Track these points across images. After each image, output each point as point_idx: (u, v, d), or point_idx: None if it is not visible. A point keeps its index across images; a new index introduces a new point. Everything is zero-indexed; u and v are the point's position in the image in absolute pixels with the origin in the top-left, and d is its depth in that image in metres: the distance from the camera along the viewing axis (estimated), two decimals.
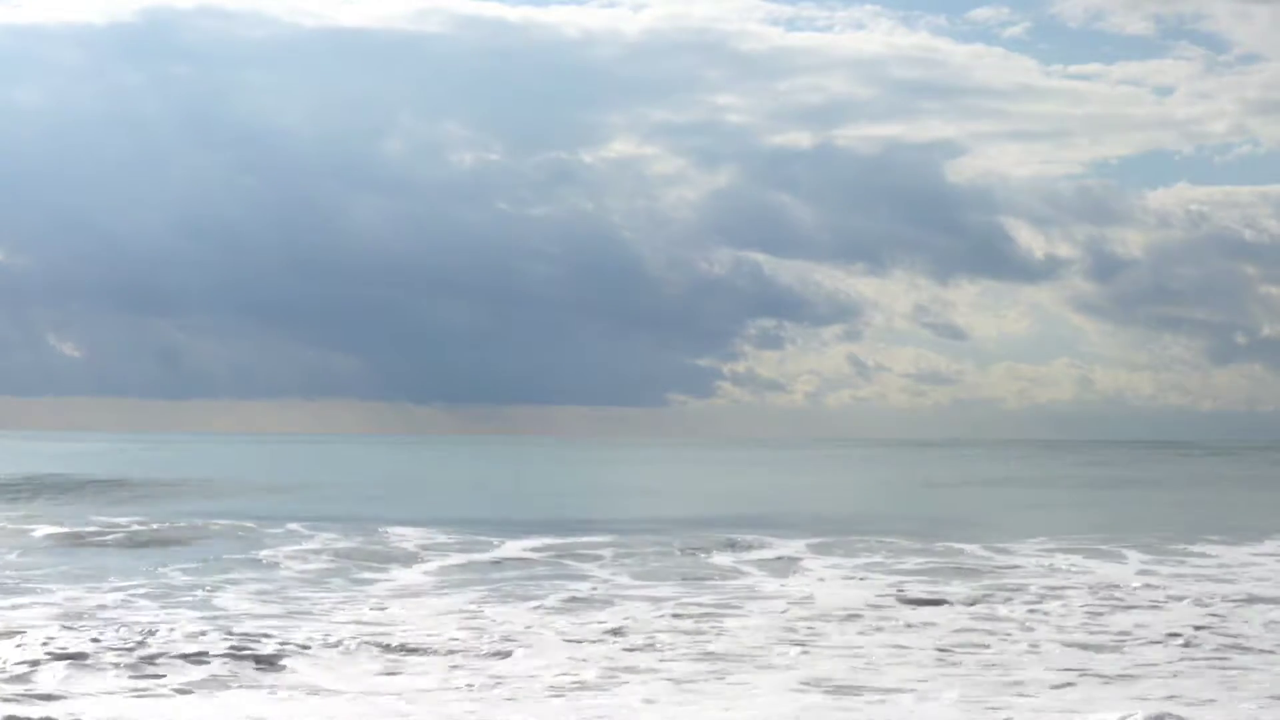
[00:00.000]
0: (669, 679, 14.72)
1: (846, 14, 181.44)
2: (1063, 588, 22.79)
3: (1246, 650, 16.69)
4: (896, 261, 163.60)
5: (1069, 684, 14.64)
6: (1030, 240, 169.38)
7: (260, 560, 26.30)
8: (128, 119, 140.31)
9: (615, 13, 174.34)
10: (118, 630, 16.82)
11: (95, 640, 15.96)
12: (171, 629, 17.05)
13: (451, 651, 16.14)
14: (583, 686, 14.26)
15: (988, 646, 16.95)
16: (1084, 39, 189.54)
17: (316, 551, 28.02)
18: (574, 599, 21.13)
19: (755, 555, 28.09)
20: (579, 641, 17.01)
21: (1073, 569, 25.76)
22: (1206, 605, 20.61)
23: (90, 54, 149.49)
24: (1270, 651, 16.64)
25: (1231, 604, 20.81)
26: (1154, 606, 20.58)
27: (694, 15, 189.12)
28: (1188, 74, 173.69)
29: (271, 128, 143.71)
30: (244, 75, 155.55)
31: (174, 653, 15.42)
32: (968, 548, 29.43)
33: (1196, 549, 29.77)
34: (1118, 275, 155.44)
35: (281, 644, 16.12)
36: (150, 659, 15.08)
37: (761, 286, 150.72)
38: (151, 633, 16.63)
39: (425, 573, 24.84)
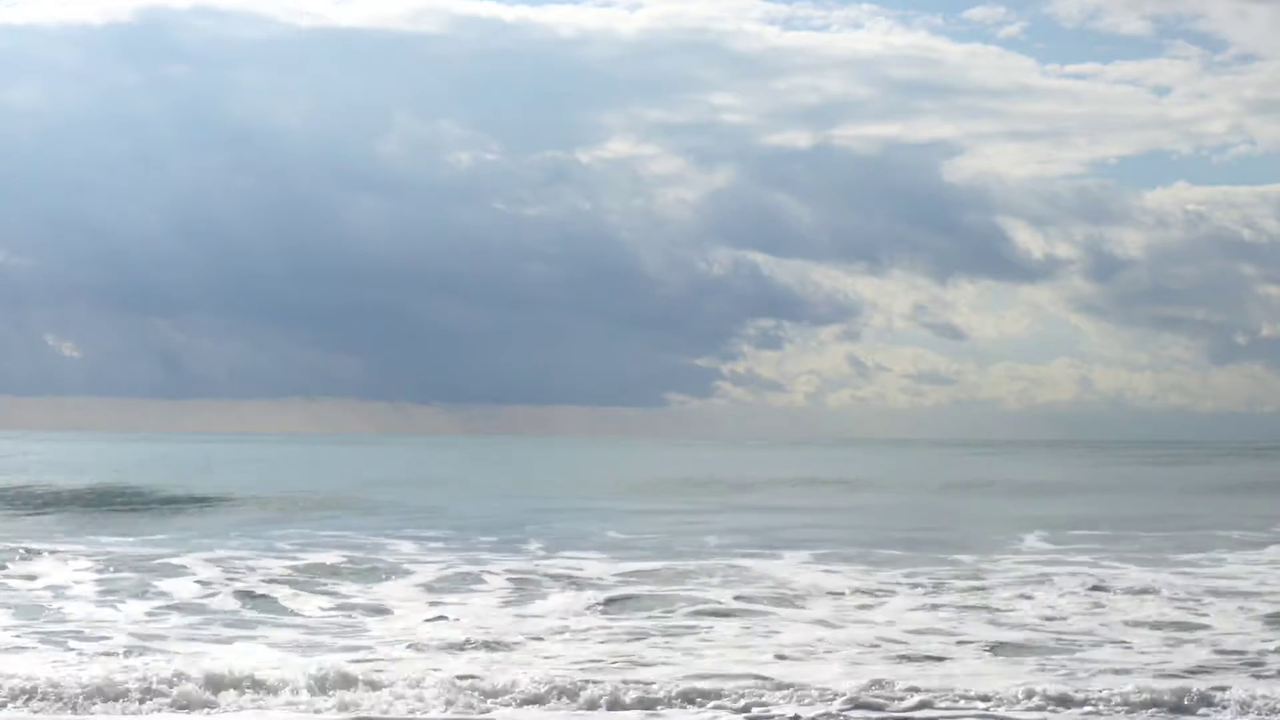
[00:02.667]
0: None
1: (843, 13, 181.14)
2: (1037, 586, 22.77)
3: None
4: (895, 261, 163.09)
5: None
6: (1029, 240, 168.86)
7: None
8: (125, 119, 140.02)
9: (611, 12, 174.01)
10: None
11: None
12: None
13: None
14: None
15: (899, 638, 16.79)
16: (1080, 38, 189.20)
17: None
18: None
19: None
20: None
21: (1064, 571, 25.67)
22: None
23: (87, 54, 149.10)
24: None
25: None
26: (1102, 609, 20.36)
27: (690, 14, 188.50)
28: (1185, 73, 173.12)
29: (268, 128, 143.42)
30: (240, 75, 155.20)
31: None
32: (963, 555, 29.22)
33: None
34: (1117, 275, 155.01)
35: None
36: None
37: (760, 286, 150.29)
38: None
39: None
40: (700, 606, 20.66)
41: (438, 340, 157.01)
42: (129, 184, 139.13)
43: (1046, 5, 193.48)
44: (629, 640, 17.69)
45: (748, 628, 18.81)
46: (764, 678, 15.16)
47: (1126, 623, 19.27)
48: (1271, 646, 17.29)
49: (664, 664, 16.05)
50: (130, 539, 31.55)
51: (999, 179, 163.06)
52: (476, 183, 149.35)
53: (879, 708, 13.95)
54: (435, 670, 15.13)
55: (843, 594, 22.08)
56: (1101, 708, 13.92)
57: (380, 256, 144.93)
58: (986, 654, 16.88)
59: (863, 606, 20.89)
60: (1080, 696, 14.24)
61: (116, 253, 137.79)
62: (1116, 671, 15.69)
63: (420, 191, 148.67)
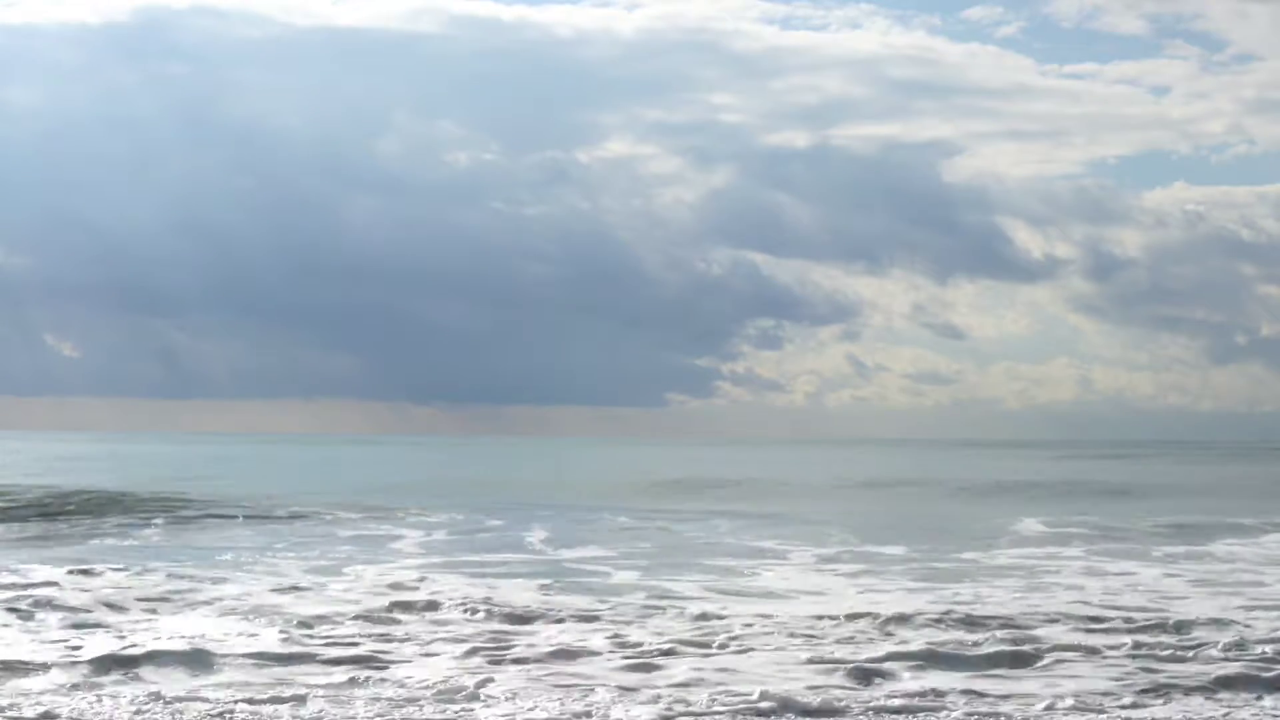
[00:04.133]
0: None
1: (842, 13, 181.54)
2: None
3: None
4: (895, 261, 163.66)
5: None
6: (1028, 240, 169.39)
7: None
8: (124, 118, 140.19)
9: (609, 12, 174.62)
10: None
11: None
12: None
13: None
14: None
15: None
16: (1078, 38, 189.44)
17: None
18: None
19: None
20: None
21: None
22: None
23: (85, 53, 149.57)
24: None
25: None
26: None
27: (688, 14, 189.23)
28: (1184, 73, 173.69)
29: (268, 128, 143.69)
30: (239, 75, 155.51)
31: None
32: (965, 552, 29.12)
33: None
34: (1116, 275, 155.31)
35: None
36: None
37: (760, 286, 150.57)
38: None
39: None
40: (692, 603, 20.59)
41: (438, 340, 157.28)
42: (129, 183, 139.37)
43: (1045, 5, 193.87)
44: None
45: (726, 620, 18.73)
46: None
47: (1108, 610, 19.16)
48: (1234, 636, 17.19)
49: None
50: None
51: (998, 179, 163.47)
52: (476, 183, 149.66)
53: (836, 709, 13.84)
54: None
55: (839, 591, 22.00)
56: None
57: (380, 256, 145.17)
58: (969, 650, 16.74)
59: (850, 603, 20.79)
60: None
61: (116, 253, 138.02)
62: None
63: (419, 191, 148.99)
